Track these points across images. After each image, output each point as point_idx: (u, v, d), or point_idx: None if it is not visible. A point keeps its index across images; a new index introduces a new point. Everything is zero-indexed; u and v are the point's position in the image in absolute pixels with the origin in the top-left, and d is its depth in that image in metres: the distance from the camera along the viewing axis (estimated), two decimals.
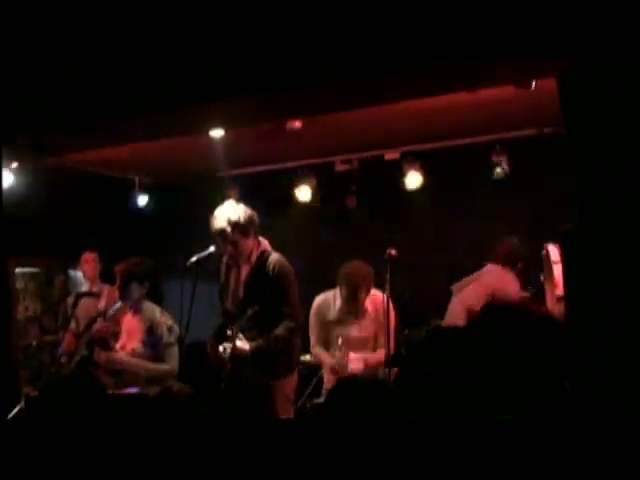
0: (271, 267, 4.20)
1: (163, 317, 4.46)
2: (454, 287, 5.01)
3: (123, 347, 4.44)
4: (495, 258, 4.96)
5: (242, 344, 4.07)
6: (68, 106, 3.95)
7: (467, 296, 4.82)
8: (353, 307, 4.81)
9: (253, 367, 4.09)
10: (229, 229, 4.18)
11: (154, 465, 1.50)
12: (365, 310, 4.85)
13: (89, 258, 6.18)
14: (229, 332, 4.07)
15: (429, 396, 1.16)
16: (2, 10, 3.46)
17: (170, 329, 4.41)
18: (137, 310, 4.48)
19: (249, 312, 4.05)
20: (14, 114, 3.83)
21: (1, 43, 3.54)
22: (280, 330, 4.10)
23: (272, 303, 4.13)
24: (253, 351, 4.07)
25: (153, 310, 4.48)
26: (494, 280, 4.80)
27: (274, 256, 4.27)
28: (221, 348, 4.11)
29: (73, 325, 4.97)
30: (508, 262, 4.93)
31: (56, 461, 1.74)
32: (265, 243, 4.35)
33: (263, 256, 4.26)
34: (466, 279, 4.98)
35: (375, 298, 4.80)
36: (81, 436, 1.75)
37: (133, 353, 4.40)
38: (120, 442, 1.54)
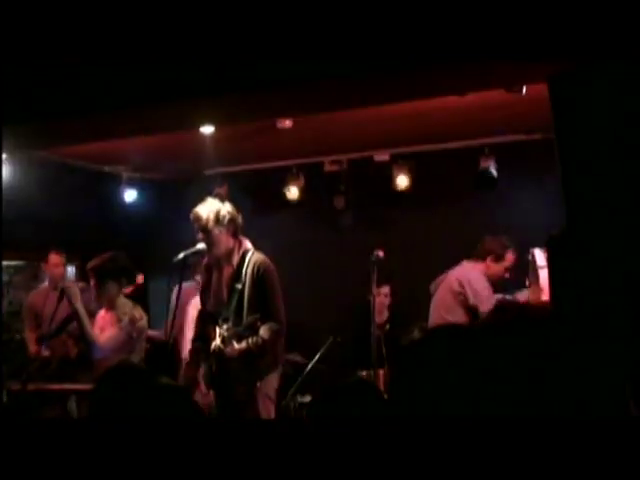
0: (255, 267, 4.17)
1: (137, 310, 4.51)
2: (432, 288, 5.07)
3: None
4: (471, 255, 5.03)
5: (234, 346, 4.05)
6: (55, 99, 3.92)
7: (440, 295, 4.90)
8: None
9: (237, 367, 4.08)
10: (204, 216, 4.17)
11: (138, 468, 1.49)
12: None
13: (58, 262, 5.98)
14: (225, 334, 4.04)
15: (431, 398, 1.15)
16: None
17: (147, 322, 4.52)
18: (111, 306, 4.49)
19: (249, 319, 3.99)
20: (7, 105, 3.81)
21: None
22: (265, 332, 4.08)
23: (256, 303, 4.12)
24: (241, 353, 4.05)
25: (128, 304, 4.53)
26: (458, 276, 4.86)
27: (257, 256, 4.23)
28: (213, 345, 4.09)
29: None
30: (478, 257, 4.99)
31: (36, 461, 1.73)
32: (247, 243, 4.32)
33: (245, 256, 4.23)
34: (439, 278, 5.05)
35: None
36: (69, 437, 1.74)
37: None
38: (106, 442, 1.53)
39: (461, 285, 4.84)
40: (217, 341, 4.07)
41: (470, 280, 4.84)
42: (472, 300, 4.75)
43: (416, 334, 5.49)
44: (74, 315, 4.34)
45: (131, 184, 7.03)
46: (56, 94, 3.88)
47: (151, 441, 1.52)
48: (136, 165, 6.87)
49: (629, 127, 2.44)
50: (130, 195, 7.00)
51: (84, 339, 4.36)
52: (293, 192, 6.68)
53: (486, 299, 4.70)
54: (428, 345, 1.20)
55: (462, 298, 4.82)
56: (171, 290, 4.66)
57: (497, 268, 4.99)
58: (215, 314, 4.25)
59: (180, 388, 1.64)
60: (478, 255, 5.03)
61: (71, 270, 6.27)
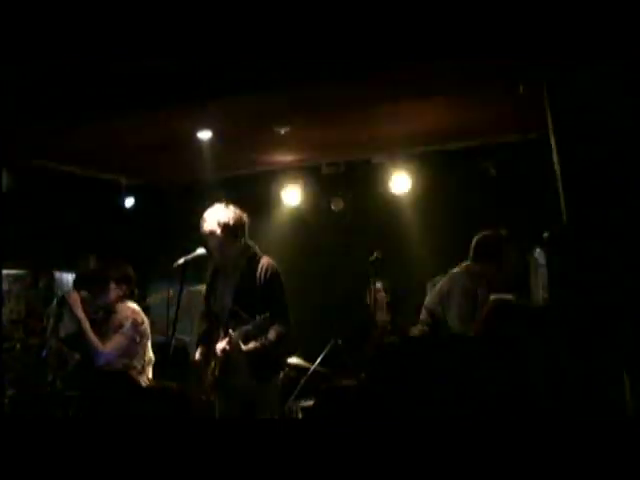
0: (262, 271, 4.20)
1: (138, 315, 4.53)
2: (428, 286, 5.00)
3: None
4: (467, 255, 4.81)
5: (242, 347, 4.04)
6: (53, 104, 3.92)
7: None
8: None
9: (242, 369, 4.09)
10: (219, 231, 4.19)
11: (146, 465, 1.50)
12: None
13: None
14: (233, 335, 4.03)
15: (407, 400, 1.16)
16: None
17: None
18: (112, 311, 4.52)
19: (259, 319, 3.98)
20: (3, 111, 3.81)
21: None
22: (272, 334, 4.08)
23: (263, 306, 4.11)
24: (247, 354, 4.05)
25: (129, 308, 4.55)
26: (443, 285, 4.61)
27: (264, 260, 4.26)
28: (219, 346, 4.09)
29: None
30: (473, 257, 4.64)
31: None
32: (255, 247, 4.35)
33: (253, 259, 4.26)
34: (435, 279, 4.98)
35: None
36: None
37: None
38: (112, 442, 1.54)
39: (442, 295, 4.61)
40: (223, 343, 4.08)
41: (451, 292, 4.58)
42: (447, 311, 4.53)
43: (393, 339, 5.43)
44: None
45: (130, 190, 7.04)
46: (54, 98, 3.88)
47: (153, 441, 1.52)
48: (135, 171, 6.87)
49: (627, 126, 2.44)
50: (129, 201, 7.00)
51: (86, 346, 4.38)
52: (291, 195, 6.70)
53: (454, 315, 4.47)
54: (401, 353, 1.21)
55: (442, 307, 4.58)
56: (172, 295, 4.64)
57: (492, 267, 4.53)
58: (221, 317, 4.26)
59: (172, 389, 1.65)
60: (473, 254, 4.75)
61: (72, 277, 6.27)
